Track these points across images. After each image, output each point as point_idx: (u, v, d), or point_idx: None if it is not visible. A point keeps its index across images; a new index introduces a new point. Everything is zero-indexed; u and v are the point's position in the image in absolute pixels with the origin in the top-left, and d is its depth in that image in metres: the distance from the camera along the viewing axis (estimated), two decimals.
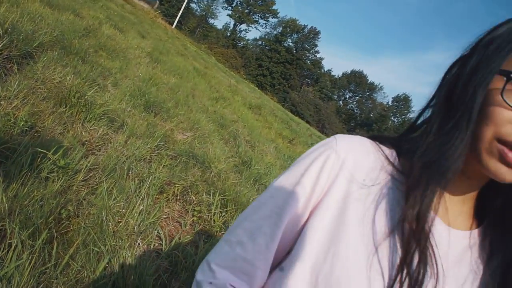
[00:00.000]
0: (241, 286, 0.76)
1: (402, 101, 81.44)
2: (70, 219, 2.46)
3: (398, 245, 0.67)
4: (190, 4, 67.58)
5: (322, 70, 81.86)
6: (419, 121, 0.80)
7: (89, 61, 5.62)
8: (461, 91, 0.66)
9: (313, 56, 77.81)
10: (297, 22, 74.57)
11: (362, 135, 0.82)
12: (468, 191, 0.73)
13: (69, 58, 5.08)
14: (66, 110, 3.68)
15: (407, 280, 0.64)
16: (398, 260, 0.66)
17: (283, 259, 0.78)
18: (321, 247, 0.69)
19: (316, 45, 76.60)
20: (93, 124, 3.82)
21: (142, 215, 2.94)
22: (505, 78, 0.60)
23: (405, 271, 0.64)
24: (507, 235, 0.71)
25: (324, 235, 0.70)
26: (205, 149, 5.32)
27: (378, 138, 0.82)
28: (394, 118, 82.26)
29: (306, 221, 0.74)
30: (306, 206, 0.74)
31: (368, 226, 0.69)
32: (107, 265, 2.30)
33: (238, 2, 74.52)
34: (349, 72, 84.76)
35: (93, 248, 2.32)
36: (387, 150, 0.78)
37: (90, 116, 3.87)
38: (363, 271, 0.65)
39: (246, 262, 0.76)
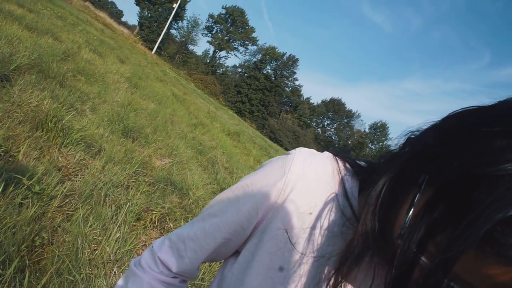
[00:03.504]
0: (168, 261, 0.84)
1: (379, 128, 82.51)
2: (44, 246, 2.39)
3: None
4: (170, 30, 68.08)
5: (301, 98, 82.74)
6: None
7: (67, 85, 5.57)
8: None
9: (291, 83, 78.78)
10: (276, 49, 75.57)
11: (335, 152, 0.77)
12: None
13: (47, 82, 5.02)
14: (42, 134, 3.62)
15: None
16: None
17: (233, 255, 0.83)
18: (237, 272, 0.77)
19: (294, 72, 77.57)
20: (70, 149, 3.76)
21: (118, 242, 2.88)
22: None
23: None
24: None
25: (241, 263, 0.76)
26: (183, 176, 5.28)
27: (348, 160, 0.75)
28: (371, 145, 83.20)
29: (254, 235, 0.75)
30: (250, 222, 0.74)
31: (300, 261, 0.70)
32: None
33: (218, 29, 75.31)
34: (328, 100, 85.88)
35: (68, 277, 2.25)
36: (349, 179, 0.72)
37: (67, 141, 3.80)
38: None
39: (183, 245, 0.82)
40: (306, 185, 0.71)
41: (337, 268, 0.65)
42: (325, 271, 0.68)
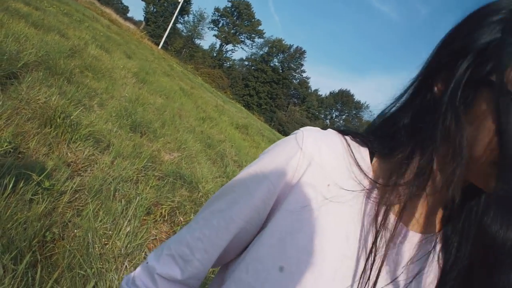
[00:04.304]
0: (170, 272, 0.74)
1: None
2: (55, 241, 2.40)
3: (360, 256, 0.66)
4: (176, 24, 68.12)
5: (309, 90, 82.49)
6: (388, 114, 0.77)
7: (74, 81, 5.58)
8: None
9: (299, 75, 78.53)
10: (283, 42, 75.36)
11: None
12: (439, 197, 0.71)
13: (54, 78, 5.04)
14: (51, 130, 3.63)
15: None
16: (359, 271, 0.65)
17: (236, 258, 0.77)
18: (273, 250, 0.67)
19: (302, 65, 77.37)
20: (79, 145, 3.77)
21: (129, 236, 2.88)
22: None
23: (365, 273, 0.64)
24: (461, 240, 0.69)
25: (280, 238, 0.67)
26: (192, 169, 5.28)
27: (350, 133, 0.77)
28: None
29: (268, 221, 0.71)
30: (266, 205, 0.71)
31: (328, 236, 0.67)
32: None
33: (224, 23, 75.20)
34: (336, 91, 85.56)
35: (79, 271, 2.26)
36: (358, 150, 0.73)
37: (76, 137, 3.82)
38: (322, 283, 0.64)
39: (187, 247, 0.74)
40: (321, 159, 0.70)
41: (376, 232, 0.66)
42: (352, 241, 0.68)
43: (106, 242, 2.70)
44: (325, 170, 0.70)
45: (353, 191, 0.69)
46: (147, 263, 0.78)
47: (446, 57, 0.66)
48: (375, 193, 0.69)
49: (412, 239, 0.69)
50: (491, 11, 0.63)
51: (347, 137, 0.75)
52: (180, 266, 0.74)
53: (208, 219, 0.75)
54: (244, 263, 0.70)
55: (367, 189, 0.70)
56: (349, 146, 0.73)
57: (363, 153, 0.73)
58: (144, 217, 3.36)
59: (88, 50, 8.46)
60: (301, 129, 0.75)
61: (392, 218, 0.69)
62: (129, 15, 71.46)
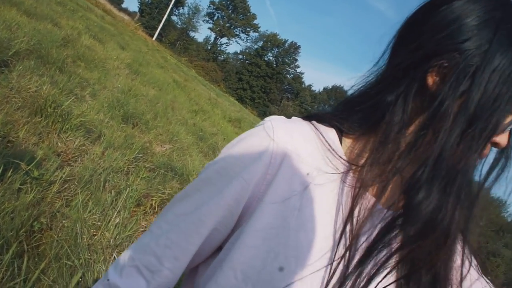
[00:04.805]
0: (134, 285, 0.67)
1: None
2: (43, 232, 2.38)
3: (342, 240, 0.66)
4: (171, 16, 67.65)
5: (303, 85, 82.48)
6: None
7: (66, 71, 5.53)
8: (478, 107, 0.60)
9: (293, 70, 78.46)
10: (278, 36, 75.10)
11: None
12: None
13: (46, 67, 4.99)
14: (41, 120, 3.60)
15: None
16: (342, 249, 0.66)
17: (212, 255, 0.73)
18: (260, 251, 0.65)
19: (296, 60, 77.22)
20: (70, 134, 3.74)
21: (118, 228, 2.87)
22: None
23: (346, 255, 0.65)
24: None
25: (265, 237, 0.65)
26: (184, 162, 5.26)
27: (314, 117, 0.77)
28: None
29: (243, 219, 0.68)
30: (239, 203, 0.67)
31: (313, 223, 0.66)
32: (80, 279, 2.22)
33: (219, 16, 74.84)
34: (330, 87, 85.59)
35: (66, 262, 2.24)
36: (326, 133, 0.73)
37: (67, 126, 3.78)
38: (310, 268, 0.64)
39: (154, 257, 0.68)
40: (296, 148, 0.68)
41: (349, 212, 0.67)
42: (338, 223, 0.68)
43: (94, 233, 2.68)
44: (301, 158, 0.68)
45: (331, 175, 0.69)
46: (108, 280, 0.69)
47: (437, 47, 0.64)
48: (351, 175, 0.69)
49: (389, 218, 0.69)
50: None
51: (313, 122, 0.75)
52: (146, 278, 0.68)
53: (174, 223, 0.69)
54: (229, 267, 0.65)
55: (343, 172, 0.69)
56: (318, 130, 0.72)
57: (332, 136, 0.73)
58: (134, 209, 3.34)
59: (81, 40, 8.38)
60: (267, 119, 0.73)
61: (370, 198, 0.68)
62: (123, 5, 70.83)
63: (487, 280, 0.75)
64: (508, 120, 0.62)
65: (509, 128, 0.64)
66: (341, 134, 0.74)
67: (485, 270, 0.76)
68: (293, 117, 0.76)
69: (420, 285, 0.65)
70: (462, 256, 0.69)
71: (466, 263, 0.69)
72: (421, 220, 0.61)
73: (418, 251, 0.63)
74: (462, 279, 0.69)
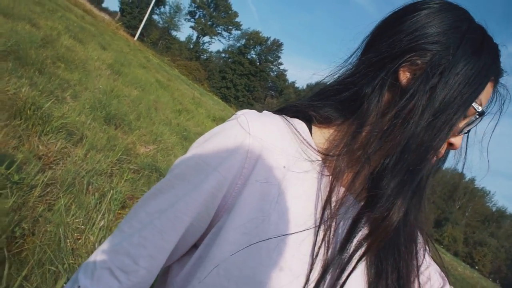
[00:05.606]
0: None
1: None
2: (25, 237, 2.32)
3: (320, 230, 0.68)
4: (152, 15, 67.22)
5: (286, 82, 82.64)
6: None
7: (46, 72, 5.43)
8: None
9: (276, 68, 78.56)
10: (260, 34, 75.24)
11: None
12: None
13: (24, 69, 4.89)
14: (21, 123, 3.52)
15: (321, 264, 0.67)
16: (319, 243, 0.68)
17: (187, 254, 0.71)
18: (240, 246, 0.64)
19: (279, 57, 77.36)
20: (51, 137, 3.67)
21: (103, 231, 2.82)
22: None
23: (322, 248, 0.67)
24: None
25: (244, 232, 0.64)
26: (168, 162, 5.22)
27: (283, 111, 0.80)
28: None
29: (220, 214, 0.67)
30: (215, 198, 0.66)
31: (292, 215, 0.67)
32: (64, 284, 2.17)
33: (201, 14, 74.57)
34: (313, 84, 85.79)
35: (50, 267, 2.20)
36: (298, 126, 0.75)
37: (47, 129, 3.71)
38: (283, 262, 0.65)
39: (128, 257, 0.65)
40: (271, 142, 0.69)
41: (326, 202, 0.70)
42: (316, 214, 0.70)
43: (78, 237, 2.64)
44: (277, 151, 0.69)
45: (307, 166, 0.71)
46: (78, 286, 0.65)
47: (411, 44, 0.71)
48: (327, 165, 0.72)
49: (359, 208, 0.72)
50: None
51: (283, 115, 0.77)
52: (120, 280, 0.64)
53: (147, 221, 0.67)
54: (212, 264, 0.64)
55: (319, 162, 0.72)
56: (290, 123, 0.74)
57: (302, 128, 0.75)
58: (119, 211, 3.29)
59: (61, 40, 8.24)
60: (239, 113, 0.73)
61: (341, 189, 0.71)
62: (104, 5, 70.20)
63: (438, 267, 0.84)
64: (463, 123, 0.72)
65: (463, 131, 0.73)
66: (310, 125, 0.78)
67: (435, 256, 0.85)
68: (264, 111, 0.77)
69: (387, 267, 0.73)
70: (418, 243, 0.78)
71: (421, 250, 0.78)
72: (380, 209, 0.66)
73: (380, 239, 0.68)
74: (419, 267, 0.76)
